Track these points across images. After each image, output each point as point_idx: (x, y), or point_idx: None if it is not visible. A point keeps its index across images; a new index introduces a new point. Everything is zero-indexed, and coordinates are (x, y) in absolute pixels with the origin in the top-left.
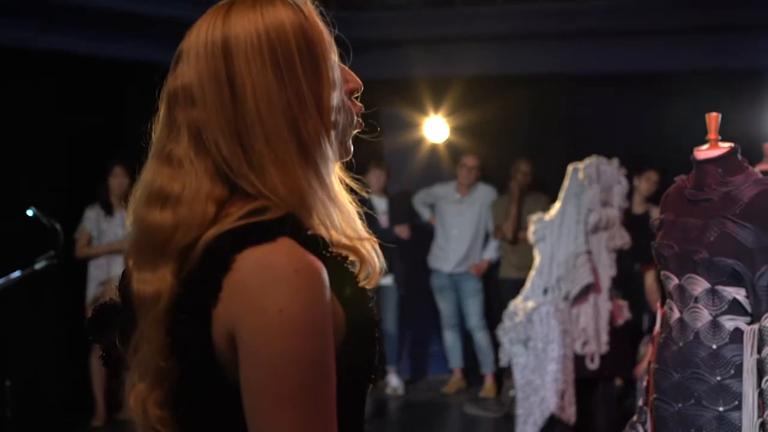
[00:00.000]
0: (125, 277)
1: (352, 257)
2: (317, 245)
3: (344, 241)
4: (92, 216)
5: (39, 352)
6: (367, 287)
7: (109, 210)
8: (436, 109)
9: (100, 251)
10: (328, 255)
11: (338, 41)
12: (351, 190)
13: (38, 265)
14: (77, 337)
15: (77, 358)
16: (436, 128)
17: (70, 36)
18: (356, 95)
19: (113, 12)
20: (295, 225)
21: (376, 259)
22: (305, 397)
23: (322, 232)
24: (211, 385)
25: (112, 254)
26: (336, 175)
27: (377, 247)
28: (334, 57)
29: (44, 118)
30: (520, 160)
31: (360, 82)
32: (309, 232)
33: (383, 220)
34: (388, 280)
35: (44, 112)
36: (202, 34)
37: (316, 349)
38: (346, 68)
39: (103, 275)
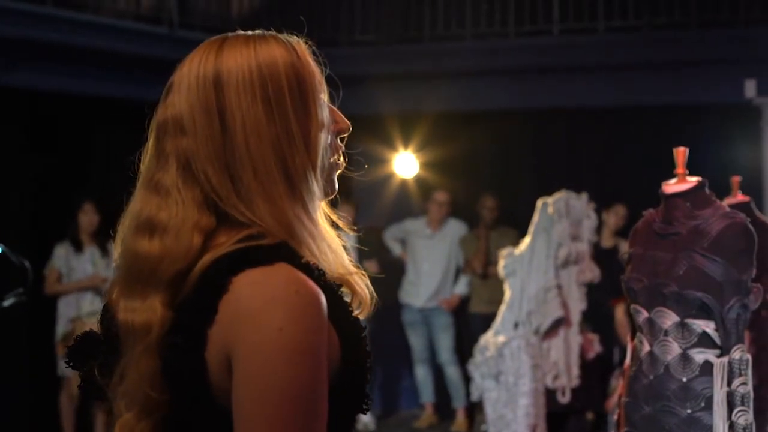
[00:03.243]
0: (107, 310)
1: (344, 288)
2: (312, 273)
3: (335, 274)
4: (61, 253)
5: (7, 389)
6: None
7: (78, 247)
8: (406, 144)
9: (69, 288)
10: (323, 283)
11: (329, 81)
12: (336, 227)
13: (7, 303)
14: (46, 374)
15: (46, 396)
16: (405, 164)
17: (35, 73)
18: (343, 136)
19: (78, 49)
20: (290, 251)
21: (366, 292)
22: (297, 420)
23: (314, 261)
24: (203, 412)
25: (82, 291)
26: (321, 212)
27: (367, 280)
28: (324, 97)
29: (10, 155)
30: (486, 196)
31: (348, 123)
32: (304, 260)
33: (351, 256)
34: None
35: (10, 149)
36: (194, 66)
37: (313, 372)
38: (336, 109)
39: (73, 312)
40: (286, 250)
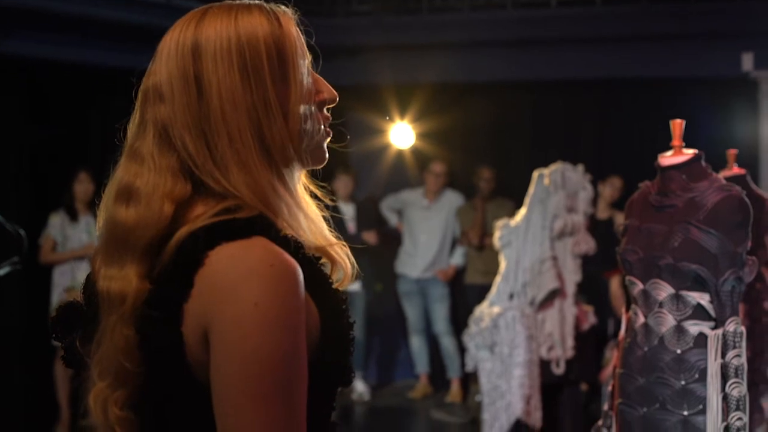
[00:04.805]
0: (90, 279)
1: (323, 260)
2: (290, 246)
3: (314, 245)
4: (57, 222)
5: (2, 358)
6: (339, 289)
7: (73, 216)
8: (402, 115)
9: (64, 257)
10: (301, 256)
11: (312, 50)
12: (316, 198)
13: (2, 271)
14: (41, 343)
15: (41, 364)
16: (401, 134)
17: (32, 41)
18: (329, 106)
19: (76, 17)
20: (267, 225)
21: (347, 262)
22: (277, 394)
23: (292, 234)
24: (179, 385)
25: (77, 260)
26: (301, 183)
27: (348, 250)
28: (308, 67)
29: (7, 124)
30: (482, 167)
31: (335, 93)
32: (281, 233)
33: (350, 226)
34: (355, 286)
35: (7, 118)
36: (176, 35)
37: (290, 346)
38: (322, 79)
39: (68, 281)
40: (263, 223)
